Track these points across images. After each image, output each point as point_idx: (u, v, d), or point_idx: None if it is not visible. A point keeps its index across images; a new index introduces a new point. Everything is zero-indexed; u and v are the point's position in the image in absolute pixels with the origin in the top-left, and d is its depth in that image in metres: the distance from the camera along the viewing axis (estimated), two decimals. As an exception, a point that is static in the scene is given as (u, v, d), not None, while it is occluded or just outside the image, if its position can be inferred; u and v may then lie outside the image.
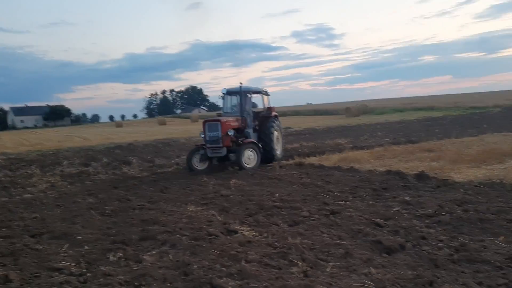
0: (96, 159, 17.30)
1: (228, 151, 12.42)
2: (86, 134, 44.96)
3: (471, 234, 5.24)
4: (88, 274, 4.58)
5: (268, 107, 14.08)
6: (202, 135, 12.61)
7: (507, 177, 8.07)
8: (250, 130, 13.26)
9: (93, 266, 4.89)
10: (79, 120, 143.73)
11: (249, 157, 12.31)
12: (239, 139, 12.68)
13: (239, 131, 12.96)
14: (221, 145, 12.19)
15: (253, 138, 13.01)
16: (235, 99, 13.96)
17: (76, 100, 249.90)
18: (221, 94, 13.70)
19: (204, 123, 12.60)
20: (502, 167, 9.15)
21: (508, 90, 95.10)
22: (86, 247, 5.60)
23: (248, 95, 13.54)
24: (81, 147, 24.99)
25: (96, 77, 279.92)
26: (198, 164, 12.66)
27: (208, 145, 12.33)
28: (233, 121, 12.80)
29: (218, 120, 12.40)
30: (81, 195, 9.66)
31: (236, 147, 12.37)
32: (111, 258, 5.10)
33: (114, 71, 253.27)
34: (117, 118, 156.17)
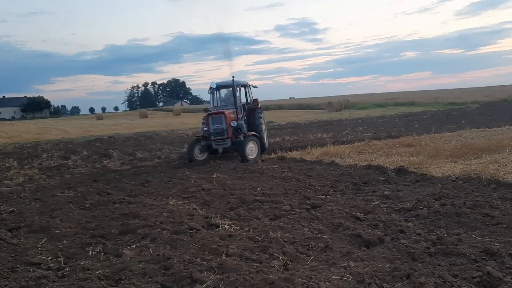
0: (75, 152, 17.05)
1: (231, 143, 12.87)
2: (66, 126, 44.26)
3: (448, 227, 5.36)
4: (67, 269, 4.52)
5: (254, 99, 14.51)
6: (205, 128, 13.02)
7: (483, 172, 8.26)
8: (242, 122, 13.70)
9: (71, 260, 4.83)
10: (59, 112, 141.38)
11: (252, 149, 12.71)
12: (240, 131, 13.34)
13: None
14: (225, 136, 12.72)
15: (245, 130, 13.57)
16: (224, 92, 14.51)
17: (56, 91, 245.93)
18: (211, 87, 13.93)
19: (207, 116, 12.93)
20: (479, 162, 9.36)
21: (486, 87, 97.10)
22: (65, 241, 5.53)
23: (238, 88, 13.95)
24: (60, 140, 24.57)
25: (76, 69, 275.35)
26: (199, 155, 13.14)
27: (213, 137, 12.77)
28: (233, 114, 13.32)
29: (222, 113, 12.82)
30: (60, 188, 9.51)
31: (239, 139, 12.81)
32: (90, 252, 5.04)
33: (94, 62, 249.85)
34: (98, 110, 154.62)
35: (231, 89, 13.94)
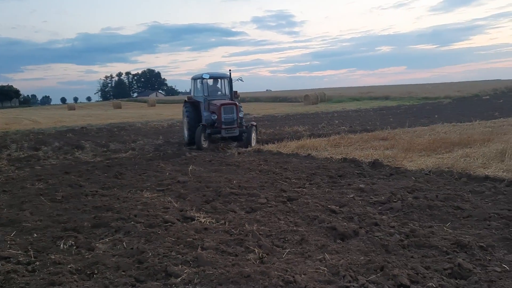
0: (46, 143, 16.59)
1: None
2: (36, 116, 43.03)
3: (421, 220, 5.46)
4: (37, 263, 4.39)
5: (234, 91, 15.16)
6: (214, 117, 13.85)
7: (455, 165, 8.46)
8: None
9: (42, 254, 4.69)
10: (29, 101, 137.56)
11: (253, 137, 14.24)
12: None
13: None
14: (235, 126, 13.90)
15: None
16: (212, 83, 15.47)
17: (25, 80, 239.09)
18: (204, 78, 14.72)
19: (220, 106, 13.75)
20: (451, 156, 9.58)
21: (458, 82, 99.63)
22: (35, 235, 5.36)
23: (225, 80, 15.21)
24: (30, 130, 23.86)
25: (47, 57, 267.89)
26: (204, 143, 13.83)
27: (224, 126, 13.76)
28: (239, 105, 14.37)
29: (234, 104, 14.00)
30: (30, 180, 9.23)
31: (243, 128, 14.13)
32: (62, 246, 4.91)
33: (66, 51, 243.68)
34: (70, 100, 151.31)
35: (219, 80, 15.46)
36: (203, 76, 14.58)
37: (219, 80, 15.71)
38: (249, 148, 13.18)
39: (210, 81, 15.38)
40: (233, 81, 14.76)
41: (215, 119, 13.85)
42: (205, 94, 14.81)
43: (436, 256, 4.26)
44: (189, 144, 14.68)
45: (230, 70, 14.52)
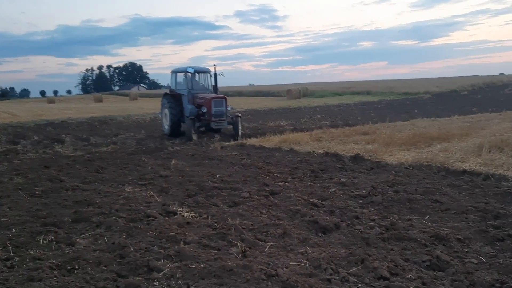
0: (25, 137, 16.27)
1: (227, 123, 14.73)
2: (15, 109, 42.03)
3: (400, 213, 5.56)
4: (16, 259, 4.31)
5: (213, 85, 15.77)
6: (204, 110, 14.30)
7: (434, 160, 8.62)
8: None
9: (21, 250, 4.61)
10: (7, 94, 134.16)
11: (241, 128, 14.97)
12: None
13: None
14: (224, 118, 14.48)
15: None
16: (196, 77, 15.92)
17: (3, 73, 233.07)
18: (188, 72, 15.21)
19: (211, 99, 14.28)
20: (430, 150, 9.75)
21: (438, 78, 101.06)
22: (14, 230, 5.26)
23: (208, 74, 15.84)
24: (8, 124, 23.32)
25: (25, 49, 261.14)
26: (194, 135, 14.27)
27: (214, 119, 14.26)
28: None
29: (224, 98, 14.59)
30: (8, 174, 9.03)
31: (230, 120, 14.75)
32: (41, 241, 4.84)
33: (45, 43, 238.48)
34: (49, 93, 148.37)
35: (202, 74, 15.97)
36: (188, 70, 15.02)
37: (202, 74, 16.13)
38: (232, 142, 13.17)
39: (194, 75, 15.78)
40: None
41: (205, 112, 14.30)
42: (189, 88, 15.23)
43: (415, 249, 4.35)
44: (171, 135, 15.15)
45: (215, 65, 15.17)
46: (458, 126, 13.86)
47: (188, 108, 14.86)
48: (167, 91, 16.28)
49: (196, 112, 14.63)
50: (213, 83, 15.70)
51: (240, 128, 14.94)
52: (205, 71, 16.02)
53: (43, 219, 5.66)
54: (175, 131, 15.25)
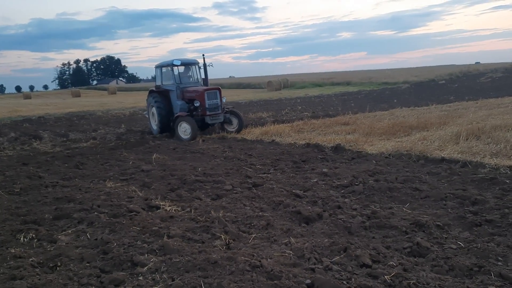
0: (1, 134, 15.90)
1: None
2: (-11, 106, 41.02)
3: (381, 202, 5.66)
4: (-4, 258, 4.25)
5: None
6: (196, 104, 13.18)
7: (413, 148, 8.76)
8: None
9: (1, 248, 4.52)
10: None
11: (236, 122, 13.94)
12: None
13: None
14: (220, 111, 13.49)
15: None
16: (184, 70, 14.73)
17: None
18: (174, 65, 14.03)
19: (203, 91, 13.25)
20: (409, 139, 9.90)
21: (416, 67, 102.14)
22: (-8, 229, 5.17)
23: (196, 66, 14.77)
24: (-17, 121, 22.78)
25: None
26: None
27: (208, 112, 13.24)
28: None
29: (218, 89, 13.60)
30: (-16, 173, 8.84)
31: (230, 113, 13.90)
32: (22, 239, 4.76)
33: (19, 37, 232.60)
34: (25, 89, 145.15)
35: (190, 67, 14.75)
36: (174, 63, 13.82)
37: (189, 66, 14.88)
38: (213, 135, 13.12)
39: (181, 68, 14.60)
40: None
41: (197, 106, 13.15)
42: (177, 82, 14.09)
43: (396, 236, 4.44)
44: (162, 133, 14.14)
45: (203, 55, 14.14)
46: (436, 115, 14.09)
47: (178, 104, 13.64)
48: (153, 88, 14.81)
49: (187, 107, 13.43)
50: (202, 76, 14.55)
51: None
52: (193, 63, 14.75)
53: (23, 217, 5.57)
54: (165, 131, 14.07)
